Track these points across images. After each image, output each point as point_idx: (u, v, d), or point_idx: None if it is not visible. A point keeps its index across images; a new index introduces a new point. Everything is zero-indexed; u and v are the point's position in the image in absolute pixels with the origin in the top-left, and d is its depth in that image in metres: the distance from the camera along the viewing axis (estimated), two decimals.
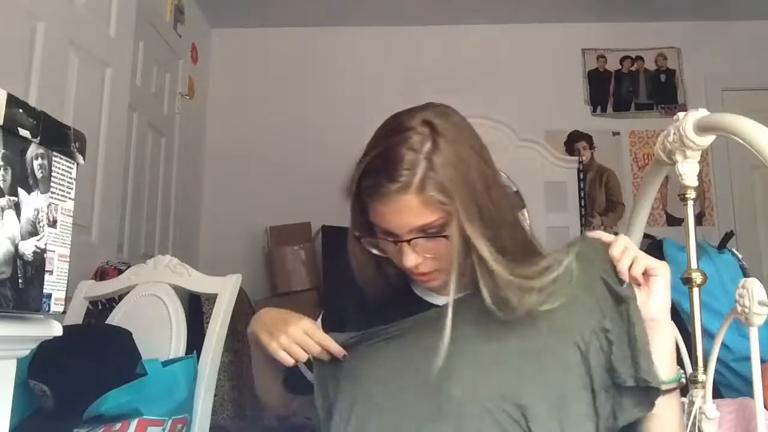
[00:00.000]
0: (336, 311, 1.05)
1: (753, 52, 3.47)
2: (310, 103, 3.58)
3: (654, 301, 0.86)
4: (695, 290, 1.04)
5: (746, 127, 0.90)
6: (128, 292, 1.51)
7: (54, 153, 0.77)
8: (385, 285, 0.99)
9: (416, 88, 2.99)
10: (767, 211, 3.47)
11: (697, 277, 1.03)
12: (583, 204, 3.45)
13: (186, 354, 1.38)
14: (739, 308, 0.88)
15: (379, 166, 0.87)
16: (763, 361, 0.91)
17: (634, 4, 3.43)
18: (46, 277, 0.75)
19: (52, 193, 0.77)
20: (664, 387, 0.82)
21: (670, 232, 3.26)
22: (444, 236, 0.86)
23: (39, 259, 0.74)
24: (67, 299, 0.81)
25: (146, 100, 2.82)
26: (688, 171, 1.05)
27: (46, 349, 0.86)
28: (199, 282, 1.48)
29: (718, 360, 0.98)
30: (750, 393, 0.90)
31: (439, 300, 0.96)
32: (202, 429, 1.30)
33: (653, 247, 1.44)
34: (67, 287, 0.79)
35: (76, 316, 1.52)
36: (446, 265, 0.88)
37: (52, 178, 0.77)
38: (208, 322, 1.42)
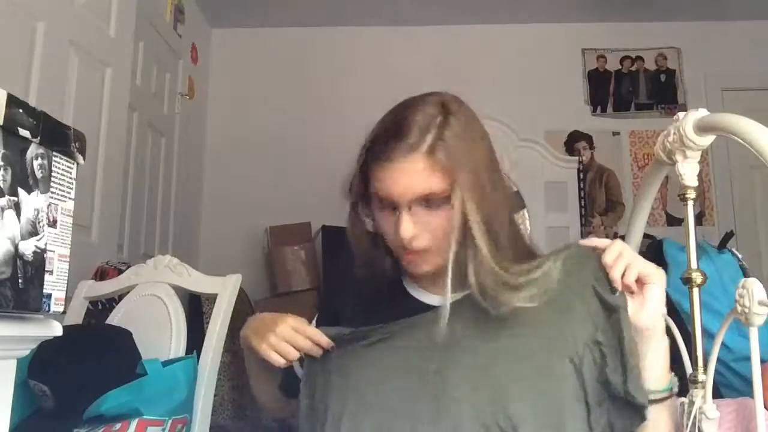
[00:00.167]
0: (331, 311, 1.05)
1: (753, 52, 3.47)
2: (310, 103, 3.58)
3: (648, 309, 0.83)
4: (695, 290, 1.04)
5: (746, 127, 0.90)
6: (128, 292, 1.51)
7: (54, 153, 0.77)
8: (380, 270, 0.97)
9: (416, 88, 2.98)
10: (767, 211, 3.47)
11: (697, 277, 1.03)
12: (583, 204, 3.45)
13: (186, 354, 1.38)
14: (739, 308, 0.87)
15: (389, 131, 0.88)
16: (763, 361, 0.91)
17: (634, 4, 3.43)
18: (46, 277, 0.75)
19: (52, 193, 0.77)
20: (656, 396, 0.82)
21: (670, 232, 3.26)
22: (447, 201, 0.85)
23: (39, 259, 0.74)
24: (67, 299, 0.81)
25: (146, 100, 2.82)
26: (688, 171, 1.05)
27: (46, 349, 0.86)
28: (199, 282, 1.48)
29: (718, 360, 0.98)
30: (750, 393, 0.90)
31: (432, 299, 0.95)
32: (202, 429, 1.30)
33: (653, 247, 1.44)
34: (67, 287, 0.79)
35: (76, 316, 1.52)
36: (440, 245, 0.87)
37: (52, 178, 0.77)
38: (208, 322, 1.42)
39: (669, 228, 3.39)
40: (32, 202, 0.73)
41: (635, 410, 0.80)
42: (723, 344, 0.98)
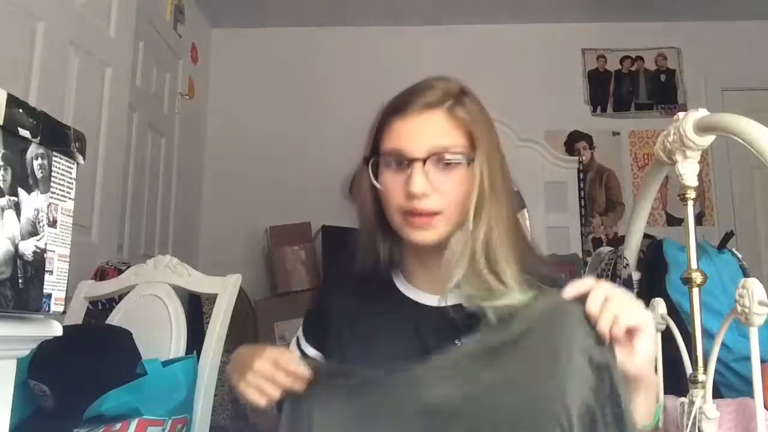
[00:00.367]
0: (316, 313, 1.01)
1: (753, 52, 3.47)
2: (310, 103, 3.58)
3: (637, 358, 0.74)
4: (695, 290, 1.04)
5: (746, 127, 0.90)
6: (128, 292, 1.51)
7: (54, 153, 0.77)
8: (374, 255, 0.93)
9: None
10: (767, 211, 3.47)
11: (697, 277, 1.03)
12: (583, 204, 3.45)
13: (186, 354, 1.38)
14: (739, 308, 0.88)
15: (409, 91, 0.88)
16: (763, 361, 0.91)
17: (634, 4, 3.43)
18: (46, 277, 0.75)
19: (52, 193, 0.77)
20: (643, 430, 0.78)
21: (670, 232, 3.27)
22: (463, 163, 0.84)
23: (39, 259, 0.74)
24: (67, 299, 0.81)
25: (146, 100, 2.82)
26: (688, 171, 1.05)
27: (46, 349, 0.86)
28: (199, 282, 1.48)
29: (718, 360, 0.98)
30: (750, 393, 0.90)
31: (425, 298, 0.92)
32: (202, 429, 1.30)
33: (653, 247, 1.44)
34: (67, 287, 0.80)
35: (76, 316, 1.52)
36: (452, 212, 0.85)
37: (52, 178, 0.77)
38: (208, 322, 1.42)
39: (669, 228, 3.39)
40: (32, 202, 0.73)
41: None
42: (723, 344, 0.98)
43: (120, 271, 1.77)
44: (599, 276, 1.51)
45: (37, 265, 0.74)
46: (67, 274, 0.79)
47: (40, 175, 0.74)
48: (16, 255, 0.70)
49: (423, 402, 0.77)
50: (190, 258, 2.38)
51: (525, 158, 3.26)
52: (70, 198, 0.80)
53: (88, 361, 1.21)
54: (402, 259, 0.95)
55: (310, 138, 3.52)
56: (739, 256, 1.35)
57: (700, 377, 1.00)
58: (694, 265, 1.04)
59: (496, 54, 3.60)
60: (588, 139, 3.61)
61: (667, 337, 1.12)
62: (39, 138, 0.73)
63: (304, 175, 3.40)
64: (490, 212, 0.85)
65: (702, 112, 1.01)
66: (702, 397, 0.98)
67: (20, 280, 0.70)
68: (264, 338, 2.89)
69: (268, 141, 3.55)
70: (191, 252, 3.35)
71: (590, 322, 0.73)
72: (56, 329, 0.79)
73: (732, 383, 1.20)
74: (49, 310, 0.76)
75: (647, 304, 1.19)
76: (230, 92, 3.67)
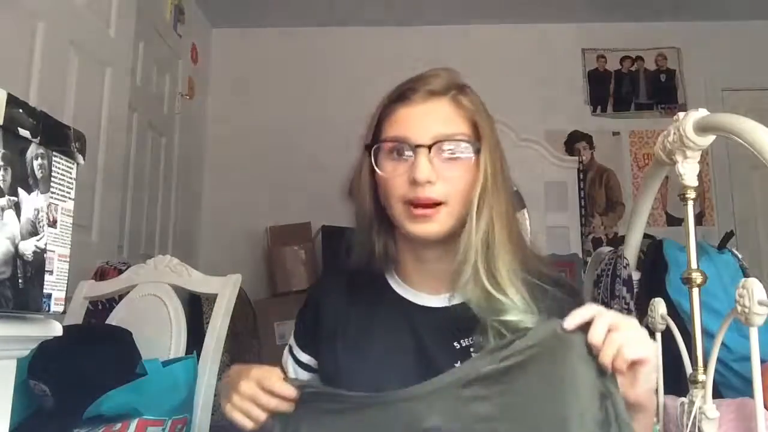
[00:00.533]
0: (307, 317, 0.98)
1: (753, 52, 3.47)
2: (310, 103, 3.58)
3: (639, 388, 0.72)
4: (695, 290, 1.04)
5: (746, 127, 0.90)
6: (128, 292, 1.51)
7: (54, 153, 0.77)
8: (370, 249, 0.91)
9: None
10: (767, 211, 3.47)
11: (697, 277, 1.03)
12: (583, 204, 3.45)
13: (186, 354, 1.38)
14: (739, 308, 0.88)
15: (413, 79, 0.87)
16: (763, 361, 0.91)
17: (634, 4, 3.43)
18: (46, 277, 0.75)
19: (52, 193, 0.77)
20: None
21: (670, 232, 3.26)
22: (467, 152, 0.83)
23: (39, 259, 0.74)
24: (67, 299, 0.81)
25: (146, 100, 2.82)
26: (688, 171, 1.05)
27: (46, 349, 0.86)
28: (199, 282, 1.48)
29: (718, 360, 0.98)
30: (750, 393, 0.90)
31: (420, 299, 0.91)
32: (202, 429, 1.30)
33: (653, 247, 1.44)
34: (67, 287, 0.79)
35: (76, 316, 1.52)
36: (457, 203, 0.84)
37: (52, 178, 0.77)
38: (208, 322, 1.42)
39: (669, 228, 3.39)
40: (32, 202, 0.73)
41: None
42: (723, 344, 0.98)
43: (120, 271, 1.77)
44: (599, 276, 1.51)
45: (37, 265, 0.74)
46: (67, 274, 0.79)
47: (40, 175, 0.74)
48: (16, 255, 0.70)
49: (421, 429, 0.74)
50: (190, 258, 2.38)
51: (525, 158, 3.26)
52: (70, 198, 0.80)
53: (88, 361, 1.21)
54: (397, 256, 0.93)
55: (310, 138, 3.52)
56: (739, 256, 1.35)
57: (700, 377, 1.00)
58: (694, 265, 1.04)
59: (496, 54, 3.60)
60: (588, 139, 3.61)
61: (667, 337, 1.12)
62: (39, 138, 0.73)
63: (304, 175, 3.40)
64: (492, 207, 0.84)
65: (702, 112, 1.01)
66: (702, 397, 0.98)
67: (20, 280, 0.70)
68: (264, 338, 2.89)
69: (268, 141, 3.55)
70: (191, 252, 3.35)
71: (592, 352, 0.71)
72: (56, 329, 0.79)
73: (732, 383, 1.20)
74: (49, 310, 0.76)
75: (647, 304, 1.19)
76: (230, 92, 3.67)
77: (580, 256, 3.16)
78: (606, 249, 1.61)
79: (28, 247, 0.72)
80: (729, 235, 1.41)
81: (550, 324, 0.74)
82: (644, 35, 3.64)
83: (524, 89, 3.52)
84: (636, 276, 1.42)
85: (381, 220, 0.90)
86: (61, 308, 0.78)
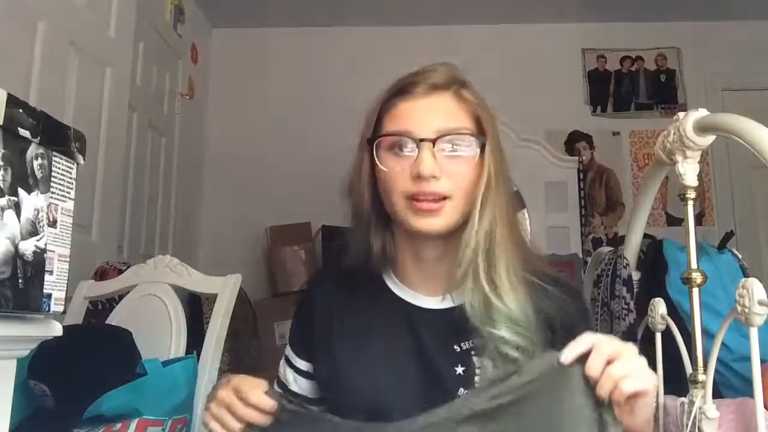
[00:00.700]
0: (302, 321, 0.97)
1: (753, 52, 3.47)
2: (310, 103, 3.58)
3: (637, 418, 0.71)
4: (695, 290, 1.04)
5: (746, 127, 0.90)
6: (128, 292, 1.51)
7: (54, 153, 0.77)
8: (367, 247, 0.90)
9: None
10: (767, 211, 3.47)
11: (697, 277, 1.03)
12: (583, 204, 3.45)
13: (186, 354, 1.38)
14: (739, 308, 0.87)
15: (414, 73, 0.87)
16: (763, 361, 0.91)
17: (634, 4, 3.43)
18: (46, 277, 0.75)
19: (52, 193, 0.77)
20: None
21: (670, 232, 3.26)
22: (471, 146, 0.83)
23: (39, 259, 0.74)
24: (67, 299, 0.81)
25: (146, 100, 2.82)
26: (688, 171, 1.05)
27: (46, 349, 0.86)
28: (199, 282, 1.48)
29: (718, 360, 0.98)
30: (750, 393, 0.90)
31: (418, 300, 0.90)
32: (202, 429, 1.30)
33: (653, 247, 1.44)
34: (67, 287, 0.80)
35: (76, 316, 1.52)
36: (461, 198, 0.83)
37: (52, 178, 0.77)
38: (208, 322, 1.42)
39: (669, 228, 3.39)
40: (32, 202, 0.73)
41: None
42: (723, 344, 0.98)
43: (120, 271, 1.77)
44: (599, 276, 1.51)
45: (37, 265, 0.74)
46: (67, 274, 0.79)
47: (40, 175, 0.74)
48: (16, 255, 0.70)
49: None
50: (190, 258, 2.38)
51: (525, 158, 3.26)
52: (70, 198, 0.80)
53: (88, 361, 1.21)
54: (396, 256, 0.91)
55: (310, 138, 3.52)
56: (739, 256, 1.35)
57: (700, 377, 1.00)
58: (694, 265, 1.04)
59: (496, 54, 3.59)
60: (588, 139, 3.61)
61: (667, 337, 1.12)
62: (39, 138, 0.73)
63: (304, 175, 3.39)
64: (495, 205, 0.83)
65: (702, 112, 1.01)
66: (702, 397, 0.98)
67: (20, 280, 0.70)
68: (264, 338, 2.89)
69: (268, 141, 3.55)
70: (191, 252, 3.35)
71: (590, 383, 0.70)
72: (56, 329, 0.79)
73: (732, 383, 1.20)
74: (49, 310, 0.76)
75: (647, 304, 1.19)
76: (230, 92, 3.67)
77: (580, 256, 3.16)
78: (606, 249, 1.61)
79: (28, 247, 0.72)
80: (729, 235, 1.41)
81: (547, 357, 0.72)
82: (644, 35, 3.64)
83: (524, 89, 3.51)
84: (636, 276, 1.42)
85: (379, 217, 0.89)
86: (61, 308, 0.78)
